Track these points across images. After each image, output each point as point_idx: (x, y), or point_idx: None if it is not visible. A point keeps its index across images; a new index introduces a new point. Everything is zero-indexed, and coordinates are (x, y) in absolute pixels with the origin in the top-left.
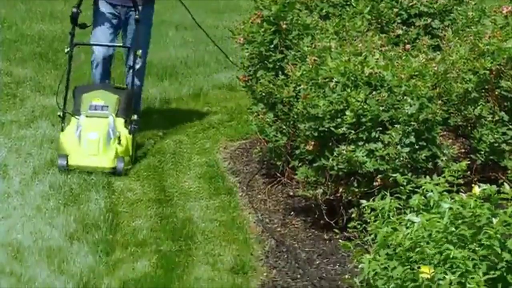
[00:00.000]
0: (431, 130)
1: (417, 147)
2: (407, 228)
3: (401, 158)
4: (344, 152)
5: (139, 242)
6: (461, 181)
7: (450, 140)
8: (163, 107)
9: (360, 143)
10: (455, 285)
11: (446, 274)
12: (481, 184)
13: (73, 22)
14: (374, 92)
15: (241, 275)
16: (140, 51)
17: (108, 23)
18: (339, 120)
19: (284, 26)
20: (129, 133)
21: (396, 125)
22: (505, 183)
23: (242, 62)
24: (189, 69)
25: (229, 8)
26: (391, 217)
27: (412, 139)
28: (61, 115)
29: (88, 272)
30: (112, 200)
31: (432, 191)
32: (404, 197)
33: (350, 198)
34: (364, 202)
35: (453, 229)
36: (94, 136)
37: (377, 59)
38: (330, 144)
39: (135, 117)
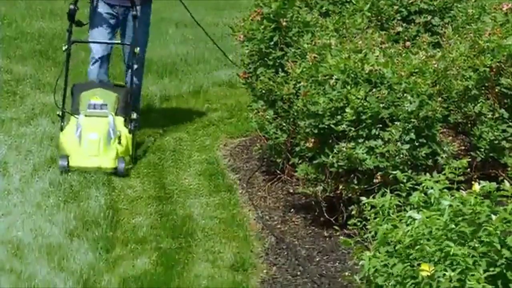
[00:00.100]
0: (431, 127)
1: (417, 144)
2: (407, 225)
3: (401, 155)
4: (344, 149)
5: (139, 239)
6: (461, 178)
7: (450, 137)
8: (163, 105)
9: (360, 140)
10: (455, 282)
11: (446, 271)
12: (481, 181)
13: (70, 19)
14: (374, 89)
15: (241, 272)
16: (138, 48)
17: (106, 23)
18: (339, 117)
19: (284, 23)
20: (129, 132)
21: (396, 122)
22: (505, 180)
23: (242, 59)
24: (189, 66)
25: (229, 5)
26: (391, 214)
27: (412, 136)
28: (60, 114)
29: (88, 269)
30: (112, 197)
31: (432, 188)
32: (404, 194)
33: (350, 195)
34: (364, 199)
35: (453, 226)
36: (94, 137)
37: (377, 56)
38: (330, 141)
39: (134, 115)
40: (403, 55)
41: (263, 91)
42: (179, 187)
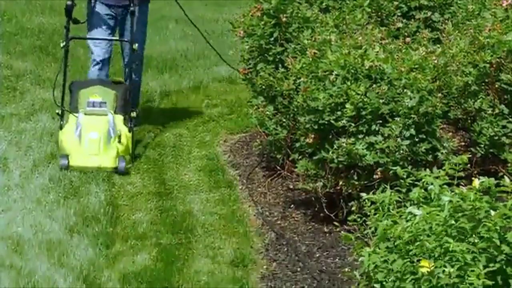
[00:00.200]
0: (431, 123)
1: (417, 140)
2: (407, 221)
3: (401, 151)
4: (344, 145)
5: (139, 235)
6: (461, 174)
7: (450, 133)
8: (163, 100)
9: (360, 136)
10: (455, 278)
11: (446, 267)
12: (481, 177)
13: (68, 15)
14: (374, 85)
15: (241, 268)
16: (137, 45)
17: (104, 24)
18: (339, 113)
19: (284, 19)
20: (129, 131)
21: (396, 118)
22: (505, 176)
23: (242, 55)
24: (189, 62)
25: (229, 1)
26: (391, 210)
27: (412, 132)
28: (60, 113)
29: (88, 265)
30: (112, 193)
31: (432, 184)
32: (404, 190)
33: (350, 191)
34: (364, 195)
35: (453, 222)
36: (94, 136)
37: (377, 52)
38: (330, 137)
39: (134, 114)
40: (403, 51)
41: (263, 87)
42: (179, 183)
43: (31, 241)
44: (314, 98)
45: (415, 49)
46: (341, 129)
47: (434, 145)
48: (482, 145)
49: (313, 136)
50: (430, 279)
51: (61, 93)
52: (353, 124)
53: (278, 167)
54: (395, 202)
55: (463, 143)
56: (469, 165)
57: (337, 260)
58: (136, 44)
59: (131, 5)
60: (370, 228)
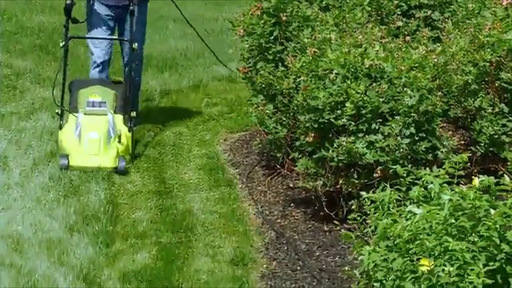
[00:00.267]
0: (431, 121)
1: (417, 138)
2: (407, 219)
3: (401, 150)
4: (344, 143)
5: (139, 233)
6: (461, 172)
7: (450, 132)
8: (163, 99)
9: (360, 135)
10: (455, 277)
11: (446, 266)
12: (480, 176)
13: (67, 14)
14: (374, 84)
15: (241, 267)
16: (136, 44)
17: (104, 24)
18: (339, 111)
19: (284, 18)
20: (129, 130)
21: (396, 117)
22: (505, 175)
23: (242, 53)
24: (189, 60)
25: (228, 0)
26: (391, 209)
27: (412, 130)
28: (59, 112)
29: (88, 264)
30: (112, 191)
31: (432, 182)
32: (404, 188)
33: (350, 189)
34: (364, 193)
35: (453, 220)
36: (94, 136)
37: (377, 50)
38: (330, 135)
39: (134, 114)
40: (403, 49)
41: (263, 86)
42: (179, 182)
43: (31, 239)
44: (314, 97)
45: (415, 47)
46: (341, 127)
47: (434, 143)
48: (482, 144)
49: (313, 134)
50: (430, 277)
51: (60, 92)
52: (353, 123)
53: (278, 166)
54: (395, 201)
55: (463, 142)
56: (469, 163)
57: (337, 258)
58: (136, 44)
59: (131, 4)
60: (370, 226)
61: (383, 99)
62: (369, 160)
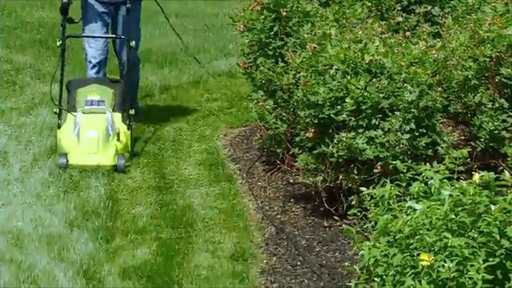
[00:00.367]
0: (431, 117)
1: (417, 134)
2: (407, 215)
3: (401, 145)
4: (344, 139)
5: (139, 229)
6: (461, 168)
7: (450, 127)
8: (163, 94)
9: (360, 130)
10: (454, 273)
11: (446, 262)
12: (480, 171)
13: (64, 13)
14: (374, 79)
15: (241, 262)
16: (133, 42)
17: (99, 22)
18: (339, 107)
19: (284, 13)
20: (128, 128)
21: (396, 112)
22: (505, 170)
23: (242, 49)
24: (189, 56)
25: None
26: (391, 205)
27: (412, 126)
28: (57, 112)
29: (88, 259)
30: (112, 187)
31: (432, 178)
32: (404, 184)
33: (350, 185)
34: (364, 189)
35: (453, 216)
36: (93, 134)
37: (377, 46)
38: (330, 131)
39: (132, 112)
40: (403, 45)
41: (263, 81)
42: (179, 177)
43: (31, 235)
44: (314, 92)
45: (415, 43)
46: (341, 123)
47: (434, 139)
48: (482, 139)
49: (313, 130)
50: (430, 273)
51: (58, 92)
52: (353, 118)
53: (278, 161)
54: (395, 196)
55: (463, 137)
56: (469, 159)
57: (337, 254)
58: (133, 42)
59: (127, 2)
60: (370, 222)
61: (383, 94)
62: (369, 155)
